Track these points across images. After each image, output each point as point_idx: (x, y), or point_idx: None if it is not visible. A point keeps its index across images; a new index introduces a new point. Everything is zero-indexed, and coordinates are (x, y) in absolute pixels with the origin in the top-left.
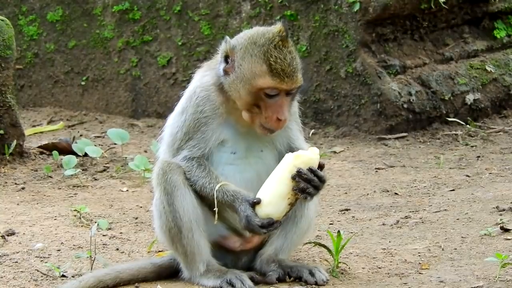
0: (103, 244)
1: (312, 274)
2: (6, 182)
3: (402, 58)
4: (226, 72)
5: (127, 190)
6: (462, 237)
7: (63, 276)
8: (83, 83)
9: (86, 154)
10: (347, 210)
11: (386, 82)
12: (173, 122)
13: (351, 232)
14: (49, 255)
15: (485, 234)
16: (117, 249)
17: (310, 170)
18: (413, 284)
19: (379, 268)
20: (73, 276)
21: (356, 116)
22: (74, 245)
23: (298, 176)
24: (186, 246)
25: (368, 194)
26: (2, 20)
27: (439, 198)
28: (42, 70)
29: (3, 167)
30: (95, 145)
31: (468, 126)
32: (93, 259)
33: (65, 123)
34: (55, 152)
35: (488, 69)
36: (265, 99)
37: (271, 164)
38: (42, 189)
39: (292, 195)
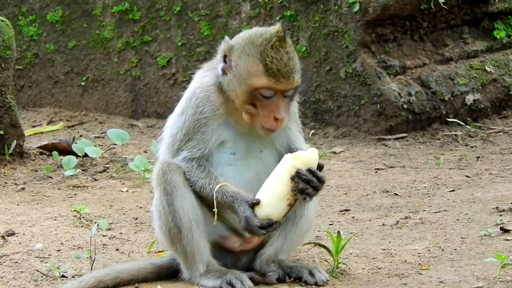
0: (103, 245)
1: (312, 274)
2: (6, 183)
3: (402, 58)
4: (224, 72)
5: (127, 191)
6: (462, 237)
7: (63, 276)
8: (83, 83)
9: (86, 155)
10: (347, 210)
11: (386, 82)
12: (173, 123)
13: (351, 233)
14: (49, 255)
15: (485, 235)
16: (117, 249)
17: (309, 170)
18: (413, 285)
19: (379, 268)
20: (73, 277)
21: (356, 117)
22: (74, 246)
23: (297, 176)
24: (186, 246)
25: (368, 194)
26: (2, 21)
27: (439, 199)
28: (42, 70)
29: (3, 168)
30: (95, 146)
31: (468, 126)
32: (93, 259)
33: (65, 123)
34: (55, 153)
35: (488, 69)
36: (262, 99)
37: (271, 165)
38: (42, 190)
39: (291, 196)
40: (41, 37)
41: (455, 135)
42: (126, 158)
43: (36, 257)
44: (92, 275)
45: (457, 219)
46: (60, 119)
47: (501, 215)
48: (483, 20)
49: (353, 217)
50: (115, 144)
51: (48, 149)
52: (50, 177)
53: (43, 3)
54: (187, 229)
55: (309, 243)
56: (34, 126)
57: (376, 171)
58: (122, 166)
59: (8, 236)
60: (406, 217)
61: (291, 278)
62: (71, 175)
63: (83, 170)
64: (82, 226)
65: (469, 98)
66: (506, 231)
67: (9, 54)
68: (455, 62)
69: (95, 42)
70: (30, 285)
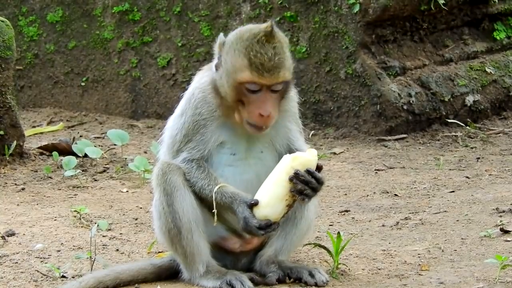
0: (103, 245)
1: (312, 275)
2: (6, 183)
3: (402, 59)
4: (217, 69)
5: (127, 191)
6: (462, 238)
7: (63, 276)
8: (83, 84)
9: (86, 155)
10: (346, 211)
11: (386, 83)
12: (173, 124)
13: (351, 233)
14: (49, 255)
15: (485, 236)
16: (117, 250)
17: (308, 171)
18: (413, 286)
19: (379, 269)
20: (73, 277)
21: (356, 117)
22: (74, 246)
23: (296, 177)
24: (185, 247)
25: (368, 195)
26: (2, 21)
27: (438, 200)
28: (42, 70)
29: (3, 168)
30: (95, 146)
31: (467, 127)
32: (93, 260)
33: (65, 123)
34: (55, 153)
35: (488, 70)
36: (248, 94)
37: (271, 165)
38: (42, 190)
39: (289, 197)
40: (41, 38)
41: (455, 136)
42: (126, 158)
43: (36, 257)
44: (92, 276)
45: (457, 220)
46: (60, 119)
47: (501, 216)
48: (483, 21)
49: (353, 218)
50: (115, 145)
51: (48, 149)
52: (50, 177)
53: (43, 4)
54: (187, 229)
55: (309, 244)
56: (34, 127)
57: (376, 172)
58: (122, 167)
59: (8, 236)
60: (406, 218)
61: (291, 279)
62: (71, 176)
63: (83, 171)
64: (82, 227)
65: (469, 99)
66: (506, 232)
67: (9, 54)
68: (455, 63)
69: (95, 42)
70: (30, 286)
